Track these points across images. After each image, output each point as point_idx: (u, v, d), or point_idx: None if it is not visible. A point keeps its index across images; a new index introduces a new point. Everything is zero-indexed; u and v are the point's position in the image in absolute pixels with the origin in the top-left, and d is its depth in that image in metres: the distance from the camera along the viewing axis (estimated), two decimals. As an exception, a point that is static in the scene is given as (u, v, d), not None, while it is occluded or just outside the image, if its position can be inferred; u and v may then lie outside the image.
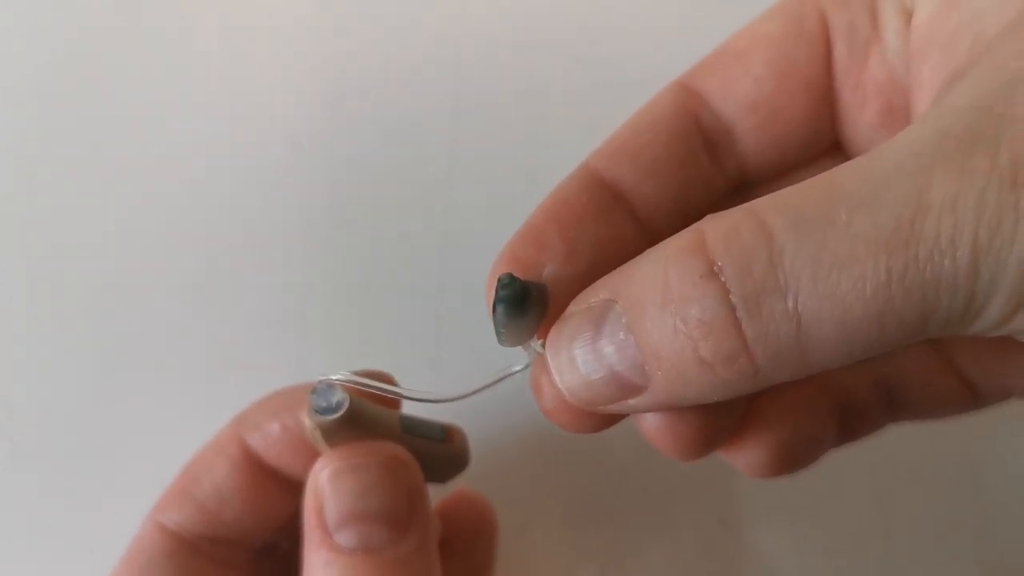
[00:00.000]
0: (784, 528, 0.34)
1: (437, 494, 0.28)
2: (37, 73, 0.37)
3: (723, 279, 0.17)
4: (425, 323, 0.34)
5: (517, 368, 0.23)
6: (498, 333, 0.21)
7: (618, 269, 0.19)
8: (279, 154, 0.36)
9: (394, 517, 0.23)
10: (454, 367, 0.33)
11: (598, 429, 0.22)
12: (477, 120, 0.36)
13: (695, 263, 0.17)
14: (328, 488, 0.23)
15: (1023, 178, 0.15)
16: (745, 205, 0.17)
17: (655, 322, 0.18)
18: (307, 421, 0.23)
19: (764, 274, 0.16)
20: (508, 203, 0.35)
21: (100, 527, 0.32)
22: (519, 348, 0.22)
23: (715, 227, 0.17)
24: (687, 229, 0.18)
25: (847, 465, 0.34)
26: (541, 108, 0.37)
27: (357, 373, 0.26)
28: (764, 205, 0.17)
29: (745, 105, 0.24)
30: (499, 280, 0.20)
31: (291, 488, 0.26)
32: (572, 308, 0.20)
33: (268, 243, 0.35)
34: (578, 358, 0.19)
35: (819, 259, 0.16)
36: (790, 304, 0.16)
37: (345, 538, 0.23)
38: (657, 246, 0.19)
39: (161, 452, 0.28)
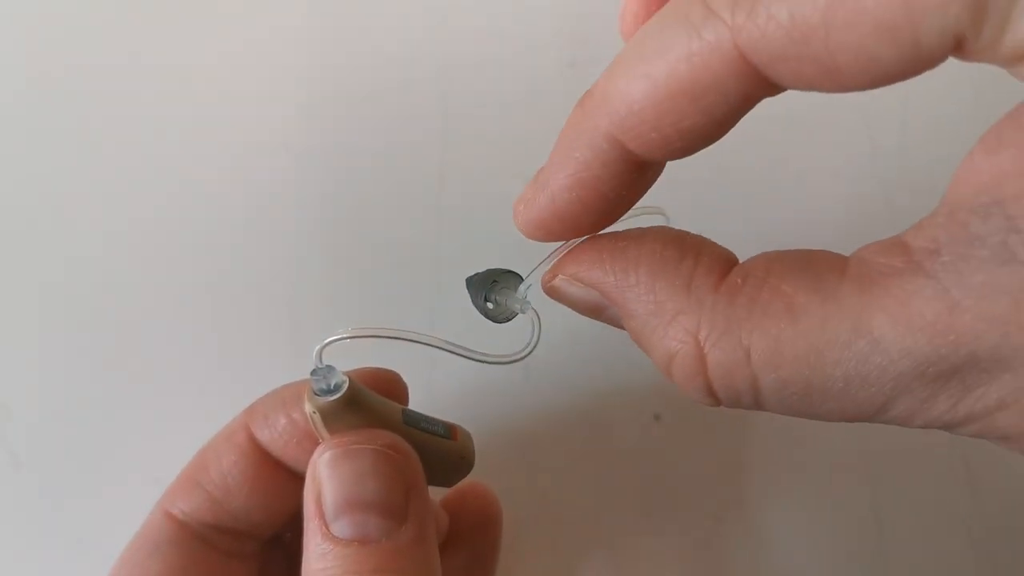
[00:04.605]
0: (777, 523, 0.34)
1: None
2: (36, 84, 0.39)
3: (717, 396, 0.20)
4: (421, 322, 0.35)
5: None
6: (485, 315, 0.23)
7: (619, 290, 0.20)
8: (275, 158, 0.38)
9: (391, 506, 0.23)
10: (453, 364, 0.34)
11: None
12: (467, 121, 0.38)
13: (698, 381, 0.19)
14: (326, 473, 0.23)
15: None
16: (745, 342, 0.18)
17: (651, 357, 0.20)
18: (307, 405, 0.23)
19: (749, 405, 0.19)
20: (500, 202, 0.36)
21: (100, 528, 0.33)
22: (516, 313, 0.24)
23: (715, 361, 0.19)
24: (682, 327, 0.19)
25: (840, 458, 0.34)
26: (533, 110, 0.38)
27: (361, 371, 0.27)
28: (760, 356, 0.18)
29: None
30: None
31: (298, 480, 0.26)
32: (571, 270, 0.21)
33: (264, 247, 0.37)
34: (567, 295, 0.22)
35: (792, 412, 0.19)
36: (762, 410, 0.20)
37: (341, 528, 0.23)
38: (654, 316, 0.20)
39: (158, 453, 0.29)
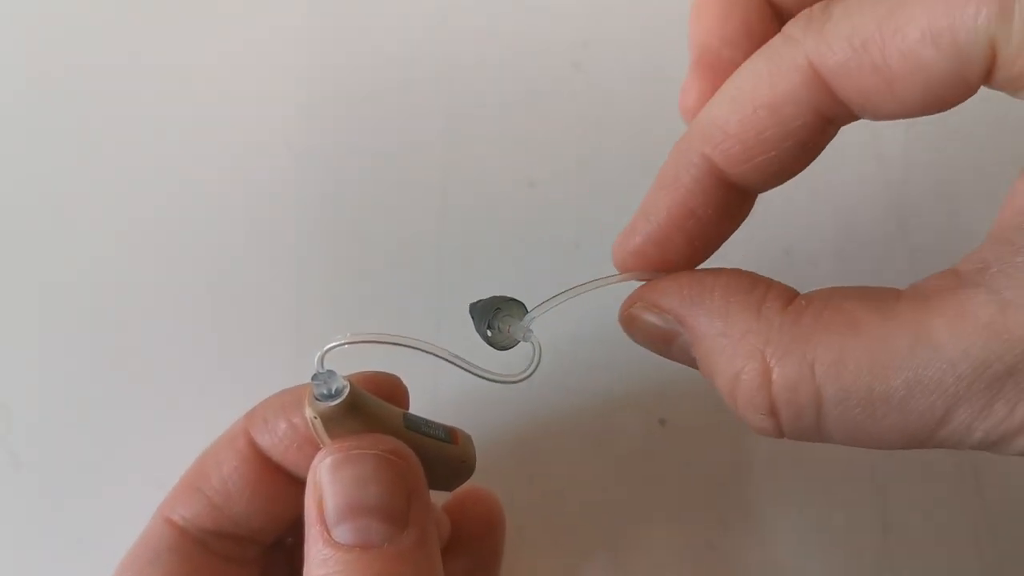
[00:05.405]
0: (783, 527, 0.34)
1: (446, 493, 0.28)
2: (36, 84, 0.39)
3: (779, 416, 0.21)
4: (424, 322, 0.35)
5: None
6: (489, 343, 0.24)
7: (694, 314, 0.22)
8: (275, 158, 0.38)
9: (392, 511, 0.23)
10: (456, 378, 0.34)
11: None
12: (469, 121, 0.38)
13: (760, 399, 0.20)
14: (327, 479, 0.23)
15: None
16: (809, 356, 0.20)
17: (716, 381, 0.22)
18: (308, 411, 0.23)
19: (810, 425, 0.20)
20: (502, 202, 0.36)
21: (100, 528, 0.33)
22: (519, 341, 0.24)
23: (780, 376, 0.20)
24: (749, 344, 0.20)
25: (846, 462, 0.34)
26: (535, 111, 0.38)
27: (362, 375, 0.27)
28: (824, 369, 0.19)
29: None
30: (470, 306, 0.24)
31: (298, 485, 0.26)
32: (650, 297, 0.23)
33: (264, 247, 0.37)
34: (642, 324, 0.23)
35: (853, 432, 0.20)
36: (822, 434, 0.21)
37: (342, 533, 0.23)
38: (723, 338, 0.21)
39: (158, 454, 0.28)
